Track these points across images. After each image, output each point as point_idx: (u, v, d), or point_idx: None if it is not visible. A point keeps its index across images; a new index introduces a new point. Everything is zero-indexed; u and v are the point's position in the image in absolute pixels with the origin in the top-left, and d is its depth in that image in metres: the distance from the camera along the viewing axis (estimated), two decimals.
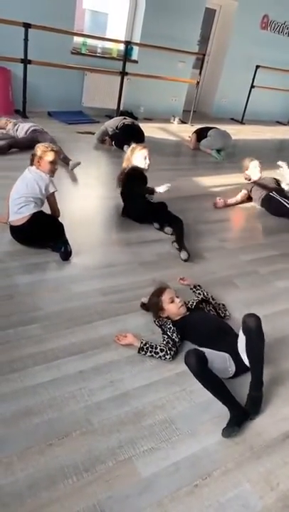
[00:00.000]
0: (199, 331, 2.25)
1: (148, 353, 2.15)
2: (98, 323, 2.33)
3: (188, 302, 2.47)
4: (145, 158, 3.64)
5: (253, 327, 1.92)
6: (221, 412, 1.89)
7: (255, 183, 4.47)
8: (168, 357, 2.14)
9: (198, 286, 2.69)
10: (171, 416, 1.86)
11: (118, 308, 2.47)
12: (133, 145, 3.78)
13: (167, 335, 2.22)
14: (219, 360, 2.02)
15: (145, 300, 2.48)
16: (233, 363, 2.07)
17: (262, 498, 1.61)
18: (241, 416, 1.89)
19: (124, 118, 5.42)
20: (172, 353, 2.15)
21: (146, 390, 1.97)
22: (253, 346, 1.95)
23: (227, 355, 2.06)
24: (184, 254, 3.12)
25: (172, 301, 2.33)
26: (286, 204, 4.18)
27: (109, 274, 2.83)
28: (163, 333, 2.26)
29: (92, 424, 1.75)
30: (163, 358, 2.14)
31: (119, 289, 2.66)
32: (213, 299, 2.61)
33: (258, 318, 1.95)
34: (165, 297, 2.34)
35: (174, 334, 2.22)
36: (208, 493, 1.58)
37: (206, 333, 2.23)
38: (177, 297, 2.36)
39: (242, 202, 4.47)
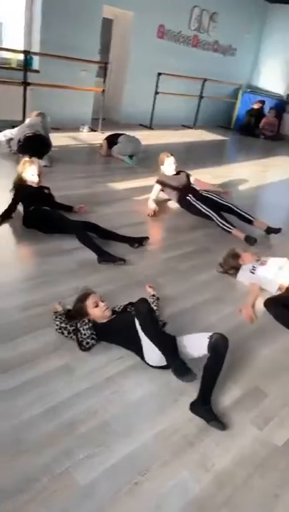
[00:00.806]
0: (124, 333, 2.27)
1: (57, 320, 2.32)
2: (21, 340, 2.24)
3: (116, 306, 2.49)
4: (32, 175, 3.59)
5: (222, 349, 2.05)
6: (155, 407, 1.93)
7: (166, 181, 4.56)
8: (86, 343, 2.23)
9: (158, 298, 2.73)
10: (105, 420, 1.86)
11: (41, 322, 2.40)
12: (24, 159, 3.73)
13: (80, 331, 2.23)
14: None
15: (69, 307, 2.45)
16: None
17: (199, 481, 1.67)
18: (182, 364, 1.98)
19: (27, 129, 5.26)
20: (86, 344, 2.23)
21: (77, 399, 1.94)
22: (215, 365, 2.05)
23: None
24: (119, 264, 3.15)
25: (96, 306, 2.33)
26: (200, 208, 4.30)
27: (30, 287, 2.75)
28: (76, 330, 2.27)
29: (23, 443, 1.68)
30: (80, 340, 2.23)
31: (40, 302, 2.59)
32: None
33: (227, 340, 2.08)
34: (89, 302, 2.34)
35: (88, 332, 2.23)
36: (149, 488, 1.60)
37: (132, 334, 2.24)
38: (102, 301, 2.37)
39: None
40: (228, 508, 1.59)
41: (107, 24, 8.06)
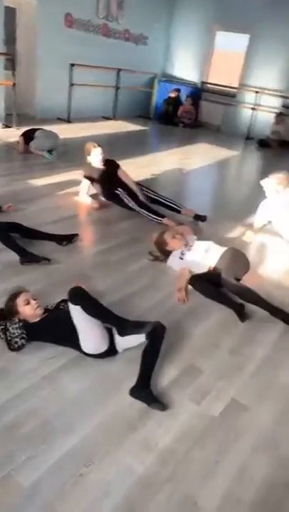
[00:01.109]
0: (59, 329, 2.25)
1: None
2: None
3: (49, 305, 2.46)
4: None
5: (160, 335, 2.16)
6: (94, 399, 1.95)
7: (93, 175, 4.46)
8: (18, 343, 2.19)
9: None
10: (45, 418, 1.84)
11: None
12: None
13: (8, 330, 2.18)
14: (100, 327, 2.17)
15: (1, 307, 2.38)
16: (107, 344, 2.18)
17: (143, 462, 1.72)
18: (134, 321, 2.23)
19: None
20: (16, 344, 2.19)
21: (15, 401, 1.90)
22: (153, 350, 2.14)
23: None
24: (43, 263, 3.07)
25: (28, 303, 2.28)
26: (128, 203, 4.27)
27: None
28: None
29: None
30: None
31: None
32: None
33: (164, 327, 2.20)
34: (20, 300, 2.28)
35: (18, 331, 2.19)
36: (94, 477, 1.63)
37: (67, 329, 2.22)
38: (34, 299, 2.32)
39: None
40: (172, 482, 1.66)
41: (11, 13, 7.70)
